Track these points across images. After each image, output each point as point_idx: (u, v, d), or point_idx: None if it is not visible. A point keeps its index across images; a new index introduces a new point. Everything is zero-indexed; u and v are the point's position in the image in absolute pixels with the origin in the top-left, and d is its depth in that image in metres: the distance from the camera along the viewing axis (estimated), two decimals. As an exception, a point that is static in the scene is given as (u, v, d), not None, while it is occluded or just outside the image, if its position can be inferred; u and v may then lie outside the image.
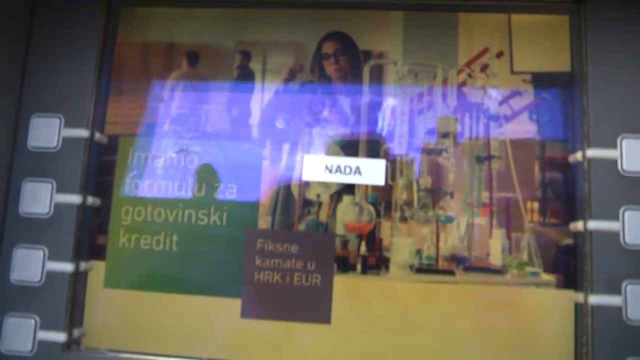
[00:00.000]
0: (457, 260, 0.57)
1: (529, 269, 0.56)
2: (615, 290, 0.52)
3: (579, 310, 0.55)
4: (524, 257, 0.56)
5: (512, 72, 0.62)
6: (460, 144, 0.59)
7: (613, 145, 0.54)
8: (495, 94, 0.61)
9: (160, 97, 0.65)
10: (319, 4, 0.63)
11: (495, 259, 0.56)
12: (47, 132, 0.61)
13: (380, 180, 0.58)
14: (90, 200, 0.60)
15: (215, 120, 0.63)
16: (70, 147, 0.60)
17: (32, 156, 0.60)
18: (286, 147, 0.62)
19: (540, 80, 0.61)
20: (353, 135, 0.60)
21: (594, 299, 0.52)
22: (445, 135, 0.60)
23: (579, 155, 0.56)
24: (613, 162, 0.54)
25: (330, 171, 0.59)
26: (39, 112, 0.61)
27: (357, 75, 0.61)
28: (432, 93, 0.61)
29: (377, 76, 0.61)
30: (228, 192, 0.61)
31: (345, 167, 0.58)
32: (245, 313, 0.59)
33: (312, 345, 0.57)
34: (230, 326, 0.59)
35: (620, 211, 0.53)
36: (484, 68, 0.61)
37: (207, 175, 0.62)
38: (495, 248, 0.56)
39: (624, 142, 0.54)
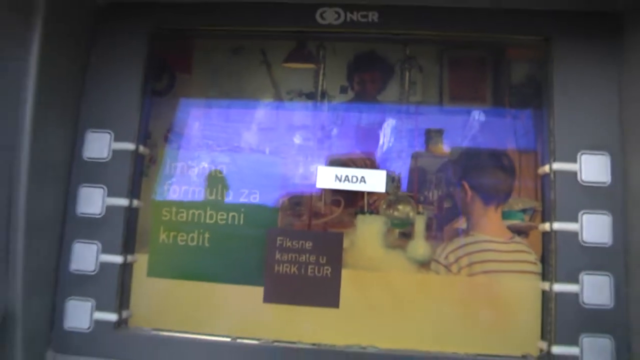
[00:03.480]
0: (445, 255, 0.67)
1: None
2: (574, 279, 0.60)
3: (545, 296, 0.63)
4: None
5: (494, 94, 0.72)
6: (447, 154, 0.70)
7: (574, 160, 0.62)
8: (478, 113, 0.71)
9: (196, 115, 0.73)
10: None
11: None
12: (99, 145, 0.67)
13: (381, 188, 0.67)
14: (135, 202, 0.68)
15: (242, 136, 0.71)
16: (119, 158, 0.67)
17: (87, 166, 0.67)
18: (302, 159, 0.70)
19: (517, 103, 0.71)
20: (359, 148, 0.70)
21: (557, 287, 0.61)
22: (432, 146, 0.70)
23: (546, 168, 0.64)
24: (574, 174, 0.62)
25: (340, 180, 0.67)
26: (92, 128, 0.68)
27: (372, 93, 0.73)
28: (423, 111, 0.72)
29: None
30: (252, 197, 0.69)
31: (352, 176, 0.67)
32: (267, 298, 0.66)
33: (323, 326, 0.65)
34: (254, 309, 0.66)
35: (579, 214, 0.61)
36: (470, 91, 0.72)
37: (234, 183, 0.70)
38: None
39: (583, 157, 0.62)
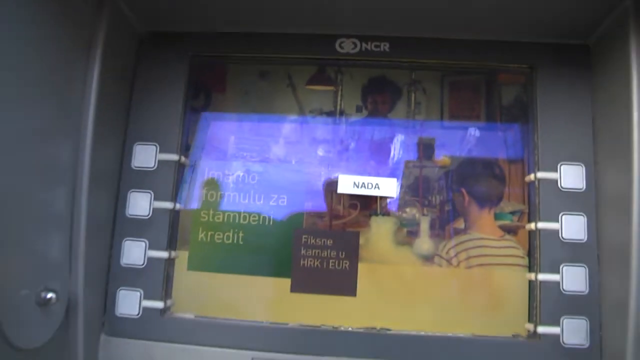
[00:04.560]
0: (447, 251, 0.75)
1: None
2: (556, 270, 0.68)
3: (531, 285, 0.70)
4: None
5: (487, 112, 0.79)
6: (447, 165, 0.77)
7: (555, 170, 0.70)
8: (474, 129, 0.79)
9: (230, 130, 0.80)
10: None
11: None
12: (146, 156, 0.74)
13: (393, 194, 0.75)
14: (178, 206, 0.74)
15: (271, 148, 0.78)
16: (164, 167, 0.74)
17: (135, 174, 0.74)
18: (324, 169, 0.77)
19: (507, 120, 0.78)
20: (373, 159, 0.77)
21: (541, 277, 0.69)
22: (434, 158, 0.78)
23: (532, 176, 0.72)
24: (555, 182, 0.70)
25: (358, 186, 0.74)
26: (140, 141, 0.75)
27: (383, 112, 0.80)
28: (426, 127, 0.79)
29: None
30: (280, 201, 0.75)
31: (368, 183, 0.74)
32: (294, 288, 0.73)
33: (342, 311, 0.72)
34: (283, 298, 0.73)
35: (559, 215, 0.69)
36: (467, 110, 0.80)
37: (265, 189, 0.76)
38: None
39: (562, 167, 0.70)
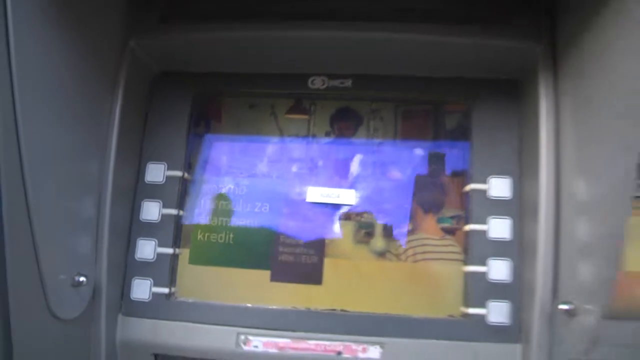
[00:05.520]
0: (399, 249, 0.87)
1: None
2: (484, 263, 0.80)
3: (466, 275, 0.81)
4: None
5: (434, 136, 0.92)
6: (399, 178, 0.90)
7: (485, 182, 0.82)
8: (422, 150, 0.92)
9: (224, 151, 0.92)
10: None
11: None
12: (157, 173, 0.87)
13: (352, 202, 0.87)
14: (181, 212, 0.87)
15: (257, 166, 0.90)
16: (171, 182, 0.87)
17: (148, 187, 0.87)
18: (298, 182, 0.88)
19: (450, 142, 0.90)
20: (338, 175, 0.91)
21: (473, 268, 0.80)
22: (389, 172, 0.90)
23: (467, 187, 0.84)
24: (484, 191, 0.82)
25: (324, 196, 0.87)
26: (152, 160, 0.88)
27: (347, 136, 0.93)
28: (383, 149, 0.89)
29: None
30: (263, 208, 0.88)
31: (332, 194, 0.87)
32: (273, 278, 0.85)
33: (311, 296, 0.83)
34: (264, 286, 0.84)
35: (488, 219, 0.81)
36: (417, 134, 0.94)
37: (251, 198, 0.88)
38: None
39: (491, 180, 0.82)
